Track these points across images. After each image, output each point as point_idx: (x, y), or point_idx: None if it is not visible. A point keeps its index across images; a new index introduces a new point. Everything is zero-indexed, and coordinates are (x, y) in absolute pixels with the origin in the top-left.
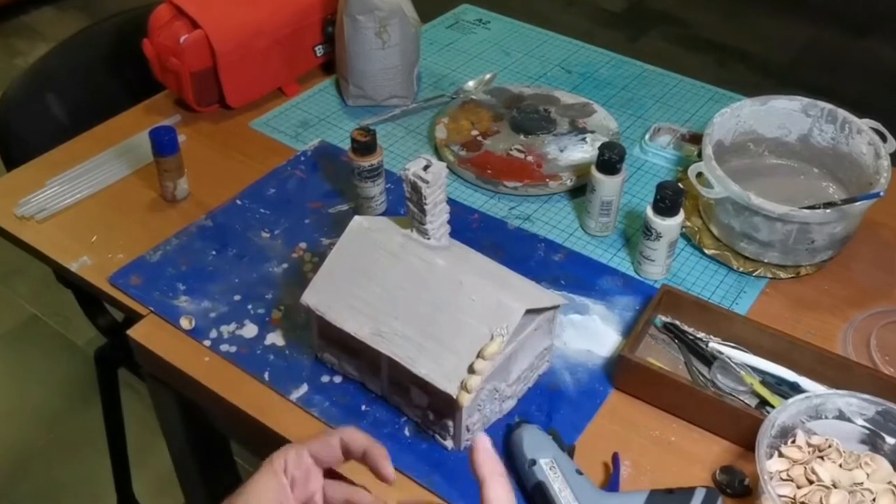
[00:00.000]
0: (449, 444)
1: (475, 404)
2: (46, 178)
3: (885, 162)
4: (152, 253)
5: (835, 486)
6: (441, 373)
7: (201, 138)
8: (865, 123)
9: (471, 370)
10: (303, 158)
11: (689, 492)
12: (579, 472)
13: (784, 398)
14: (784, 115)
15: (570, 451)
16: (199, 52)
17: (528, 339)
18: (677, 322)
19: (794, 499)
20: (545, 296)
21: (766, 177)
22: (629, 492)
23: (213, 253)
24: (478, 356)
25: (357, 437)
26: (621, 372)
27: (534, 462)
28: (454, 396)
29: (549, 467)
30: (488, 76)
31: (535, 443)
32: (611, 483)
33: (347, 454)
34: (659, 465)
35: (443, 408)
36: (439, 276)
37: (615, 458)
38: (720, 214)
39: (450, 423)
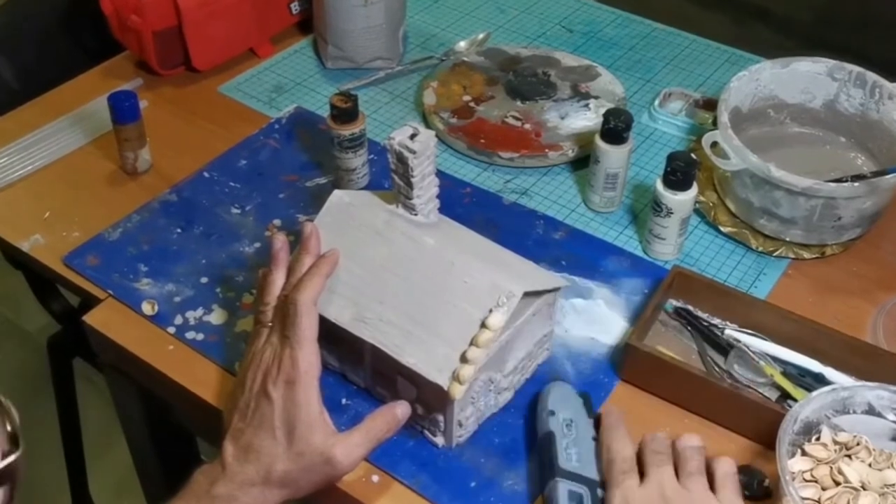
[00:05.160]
0: (440, 440)
1: (468, 397)
2: None
3: None
4: (111, 231)
5: (864, 487)
6: (430, 362)
7: (165, 104)
8: None
9: (463, 359)
10: (277, 126)
11: None
12: (595, 440)
13: (808, 391)
14: (808, 78)
15: (596, 419)
16: (163, 9)
17: (526, 325)
18: (690, 307)
19: (818, 501)
20: (545, 277)
21: (787, 147)
22: None
23: (178, 231)
24: (471, 344)
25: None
26: (628, 362)
27: (552, 413)
28: (445, 388)
29: (566, 424)
30: (481, 36)
31: (562, 398)
32: None
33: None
34: None
35: (432, 401)
36: (428, 255)
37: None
38: (737, 188)
39: (440, 418)
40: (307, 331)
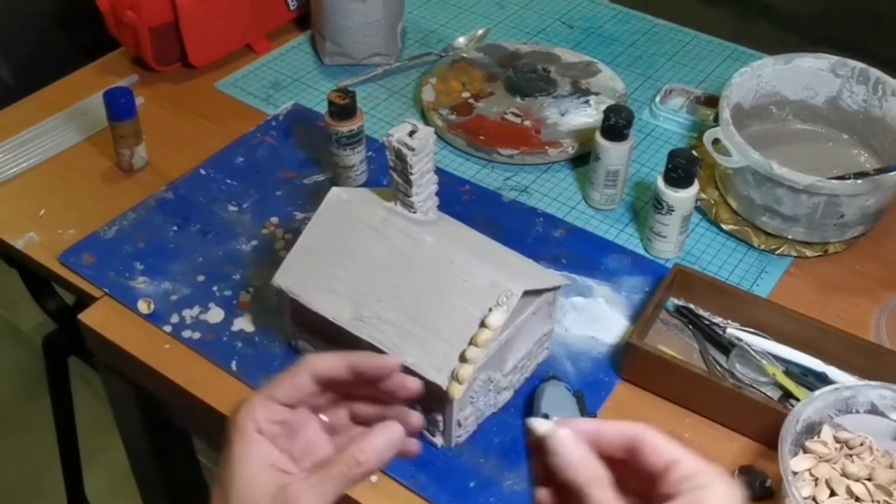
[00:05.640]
0: (438, 440)
1: (467, 396)
2: None
3: None
4: (107, 228)
5: (867, 488)
6: (429, 362)
7: (161, 101)
8: None
9: (462, 359)
10: (274, 123)
11: None
12: None
13: (810, 390)
14: (810, 74)
15: (591, 418)
16: (159, 5)
17: (526, 324)
18: (691, 305)
19: (821, 501)
20: (545, 276)
21: (790, 144)
22: None
23: (175, 228)
24: (470, 343)
25: (328, 362)
26: (629, 361)
27: (546, 417)
28: (444, 388)
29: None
30: (481, 31)
31: (555, 399)
32: None
33: (326, 385)
34: None
35: (431, 400)
36: (427, 254)
37: None
38: (739, 186)
39: (439, 418)
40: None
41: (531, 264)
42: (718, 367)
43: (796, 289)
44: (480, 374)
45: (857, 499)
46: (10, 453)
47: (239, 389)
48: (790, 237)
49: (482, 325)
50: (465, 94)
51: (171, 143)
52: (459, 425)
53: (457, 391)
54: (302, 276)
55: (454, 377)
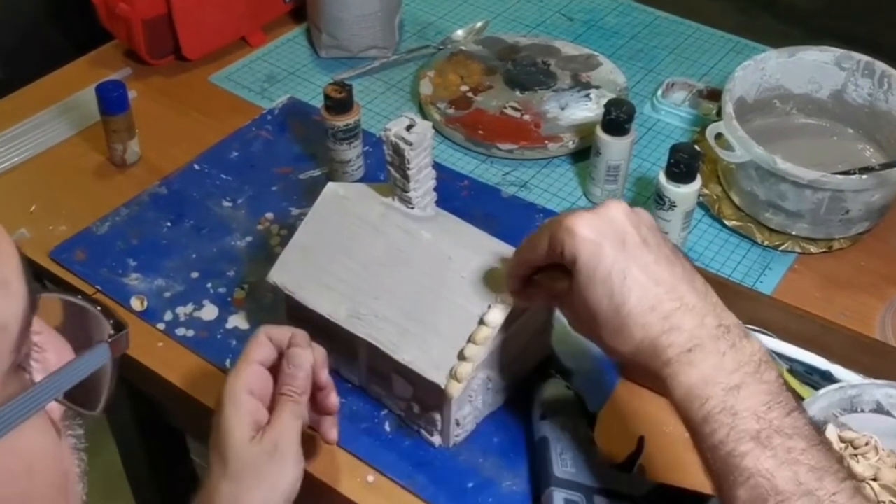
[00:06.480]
0: (436, 440)
1: (466, 395)
2: None
3: None
4: (99, 224)
5: (872, 488)
6: (427, 360)
7: (154, 94)
8: None
9: (461, 357)
10: (269, 117)
11: (704, 500)
12: (591, 442)
13: (814, 389)
14: (815, 68)
15: (591, 419)
16: None
17: (525, 321)
18: None
19: None
20: None
21: (794, 138)
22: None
23: (168, 224)
24: (468, 341)
25: (276, 331)
26: None
27: (544, 417)
28: (442, 386)
29: (560, 426)
30: (479, 24)
31: (555, 398)
32: (624, 464)
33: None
34: (673, 465)
35: (429, 399)
36: (425, 250)
37: (640, 441)
38: (742, 181)
39: (437, 417)
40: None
41: None
42: None
43: (800, 286)
44: (479, 373)
45: (855, 477)
46: None
47: None
48: (794, 233)
49: (481, 322)
50: (464, 88)
51: (164, 137)
52: (458, 424)
53: (455, 390)
54: (298, 273)
55: (452, 375)
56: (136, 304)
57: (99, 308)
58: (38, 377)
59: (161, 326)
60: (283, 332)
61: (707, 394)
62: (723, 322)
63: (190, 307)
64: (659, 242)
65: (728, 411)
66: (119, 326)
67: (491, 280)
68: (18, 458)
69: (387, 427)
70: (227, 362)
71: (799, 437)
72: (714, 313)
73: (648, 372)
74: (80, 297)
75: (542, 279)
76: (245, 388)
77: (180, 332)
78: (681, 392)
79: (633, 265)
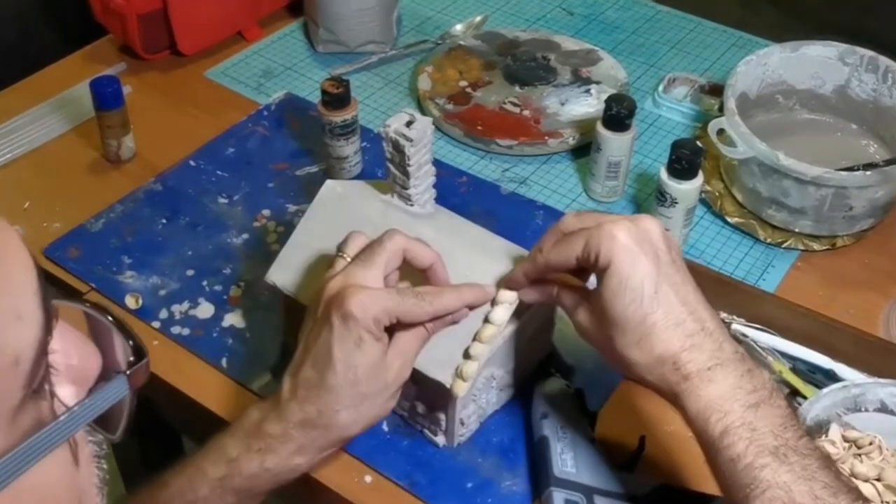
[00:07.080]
0: (440, 440)
1: (470, 394)
2: None
3: None
4: (93, 221)
5: (876, 488)
6: (431, 359)
7: (149, 90)
8: None
9: (466, 355)
10: (266, 113)
11: (706, 500)
12: (592, 441)
13: (818, 388)
14: (818, 63)
15: (592, 418)
16: None
17: (529, 319)
18: None
19: None
20: None
21: (797, 134)
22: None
23: (163, 221)
24: (474, 339)
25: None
26: None
27: (545, 416)
28: (447, 386)
29: (560, 426)
30: (478, 18)
31: (555, 398)
32: (625, 463)
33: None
34: (675, 465)
35: (434, 399)
36: None
37: (641, 441)
38: (745, 177)
39: (442, 417)
40: (378, 257)
41: None
42: None
43: (803, 283)
44: (483, 371)
45: (866, 499)
46: None
47: (229, 387)
48: (797, 230)
49: (486, 320)
50: (463, 83)
51: (159, 133)
52: (462, 424)
53: (461, 389)
54: (296, 272)
55: (458, 374)
56: (130, 301)
57: (120, 328)
58: (58, 390)
59: (156, 325)
60: (426, 255)
61: (726, 409)
62: (738, 350)
63: (185, 305)
64: (685, 267)
65: (747, 426)
66: (139, 352)
67: (494, 278)
68: (30, 495)
69: (384, 427)
70: (223, 361)
71: (813, 458)
72: (730, 341)
73: (658, 385)
74: (109, 317)
75: (558, 276)
76: (378, 324)
77: (175, 330)
78: (699, 405)
79: (665, 281)
